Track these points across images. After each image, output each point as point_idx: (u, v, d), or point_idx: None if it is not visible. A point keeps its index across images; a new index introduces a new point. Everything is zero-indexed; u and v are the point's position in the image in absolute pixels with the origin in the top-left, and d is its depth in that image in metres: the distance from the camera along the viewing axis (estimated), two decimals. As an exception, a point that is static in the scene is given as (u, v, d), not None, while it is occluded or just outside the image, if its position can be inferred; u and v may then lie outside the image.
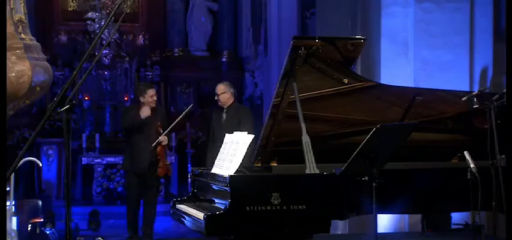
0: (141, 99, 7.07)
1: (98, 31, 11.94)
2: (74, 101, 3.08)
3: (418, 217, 6.95)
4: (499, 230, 4.70)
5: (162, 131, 6.96)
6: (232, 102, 6.94)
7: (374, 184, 4.04)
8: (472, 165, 4.32)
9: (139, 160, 7.06)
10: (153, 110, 7.02)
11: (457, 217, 6.76)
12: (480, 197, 4.27)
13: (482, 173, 4.37)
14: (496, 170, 4.48)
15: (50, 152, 11.15)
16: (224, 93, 6.87)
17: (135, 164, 7.11)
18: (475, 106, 4.73)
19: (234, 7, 13.56)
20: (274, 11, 11.37)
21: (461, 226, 6.61)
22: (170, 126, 7.08)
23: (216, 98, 6.91)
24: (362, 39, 4.71)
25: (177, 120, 7.16)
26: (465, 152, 4.42)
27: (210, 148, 6.87)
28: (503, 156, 4.46)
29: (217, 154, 4.60)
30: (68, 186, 3.29)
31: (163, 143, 6.95)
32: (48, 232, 6.92)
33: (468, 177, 4.32)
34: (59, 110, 3.04)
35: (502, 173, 4.44)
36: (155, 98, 7.09)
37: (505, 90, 4.96)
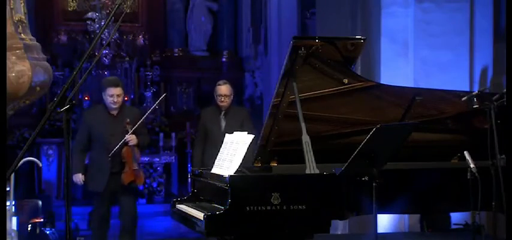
0: (103, 96, 6.15)
1: (98, 31, 11.94)
2: (74, 101, 3.08)
3: (417, 217, 6.95)
4: (499, 230, 4.69)
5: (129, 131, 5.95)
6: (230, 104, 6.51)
7: (374, 184, 4.04)
8: (472, 165, 4.32)
9: (100, 176, 6.02)
10: (119, 111, 6.07)
11: (457, 217, 6.77)
12: (480, 197, 4.27)
13: (482, 173, 4.36)
14: (496, 170, 4.47)
15: (50, 152, 11.15)
16: (230, 96, 6.41)
17: (96, 182, 6.04)
18: (475, 106, 4.73)
19: (234, 7, 13.56)
20: (274, 11, 11.37)
21: (461, 226, 6.63)
22: (138, 122, 5.96)
23: (221, 99, 6.35)
24: (362, 39, 4.71)
25: (146, 115, 6.25)
26: (465, 152, 4.42)
27: (199, 149, 6.41)
28: (503, 156, 4.46)
29: (216, 157, 4.58)
30: (68, 186, 3.29)
31: (130, 143, 5.90)
32: (48, 232, 6.92)
33: (468, 177, 4.31)
34: (59, 110, 3.04)
35: (502, 173, 4.44)
36: (115, 99, 6.00)
37: (505, 90, 4.96)
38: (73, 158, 6.04)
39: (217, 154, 4.61)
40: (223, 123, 6.29)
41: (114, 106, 6.02)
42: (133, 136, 5.90)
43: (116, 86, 6.02)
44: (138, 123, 5.96)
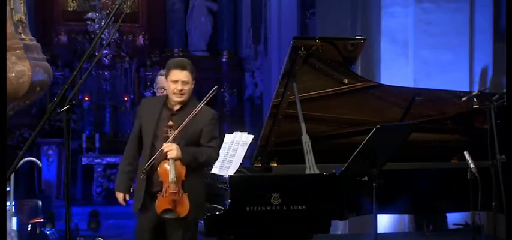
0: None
1: (97, 31, 11.94)
2: (73, 101, 3.08)
3: (417, 217, 6.95)
4: (499, 230, 4.69)
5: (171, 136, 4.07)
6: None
7: (374, 184, 4.04)
8: (471, 165, 4.32)
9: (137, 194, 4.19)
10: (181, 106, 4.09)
11: (457, 217, 6.76)
12: (480, 197, 4.27)
13: (482, 173, 4.36)
14: (496, 170, 4.47)
15: (50, 152, 11.16)
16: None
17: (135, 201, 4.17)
18: (474, 106, 4.73)
19: (234, 7, 13.56)
20: (274, 11, 11.37)
21: (461, 226, 6.63)
22: (183, 123, 3.96)
23: (181, 87, 4.15)
24: (362, 39, 4.71)
25: (196, 110, 3.97)
26: (465, 152, 4.42)
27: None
28: (503, 156, 4.45)
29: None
30: (67, 187, 3.29)
31: (169, 156, 3.94)
32: (48, 232, 6.93)
33: (468, 178, 4.31)
34: (59, 110, 3.04)
35: (502, 173, 4.44)
36: (181, 88, 4.01)
37: (504, 90, 4.95)
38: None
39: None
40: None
41: (179, 99, 4.06)
42: (174, 146, 3.93)
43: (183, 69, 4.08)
44: (181, 127, 3.98)
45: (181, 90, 3.93)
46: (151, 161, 3.92)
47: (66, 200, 3.24)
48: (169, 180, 3.90)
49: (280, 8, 11.19)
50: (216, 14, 13.45)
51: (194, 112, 3.91)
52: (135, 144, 4.07)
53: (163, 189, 3.92)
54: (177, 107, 3.99)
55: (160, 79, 4.86)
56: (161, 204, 3.91)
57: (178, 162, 3.89)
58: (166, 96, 4.04)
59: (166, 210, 3.92)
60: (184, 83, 3.94)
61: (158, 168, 3.92)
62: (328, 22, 8.52)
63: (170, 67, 4.00)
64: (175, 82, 3.94)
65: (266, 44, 11.93)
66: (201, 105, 3.95)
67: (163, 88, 4.67)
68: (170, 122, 3.97)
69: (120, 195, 4.11)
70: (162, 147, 3.89)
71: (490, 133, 4.52)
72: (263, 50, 12.21)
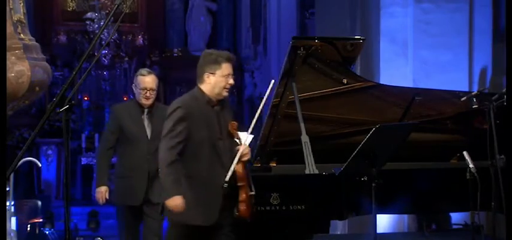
0: (205, 80, 3.86)
1: (97, 31, 11.94)
2: (73, 101, 3.08)
3: (412, 217, 6.95)
4: (498, 230, 4.69)
5: (238, 137, 3.90)
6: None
7: (373, 184, 4.04)
8: (471, 166, 4.32)
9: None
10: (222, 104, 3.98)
11: (457, 217, 6.76)
12: (479, 197, 4.27)
13: (482, 173, 4.36)
14: (495, 170, 4.47)
15: (49, 152, 11.15)
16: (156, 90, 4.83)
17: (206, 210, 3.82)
18: (474, 106, 4.73)
19: (233, 7, 13.57)
20: (274, 11, 11.37)
21: (460, 226, 6.63)
22: (253, 121, 3.89)
23: (147, 94, 4.72)
24: (361, 39, 4.71)
25: (260, 108, 3.95)
26: (464, 152, 4.42)
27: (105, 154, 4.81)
28: (503, 156, 4.46)
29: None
30: (67, 187, 3.30)
31: (245, 158, 3.81)
32: (47, 232, 6.91)
33: (467, 178, 4.31)
34: (58, 110, 3.03)
35: (501, 173, 4.45)
36: (232, 82, 3.87)
37: (504, 90, 4.96)
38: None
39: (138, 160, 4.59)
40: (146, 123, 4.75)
41: (226, 93, 3.91)
42: (247, 146, 3.83)
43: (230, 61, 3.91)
44: (253, 125, 3.88)
45: (231, 85, 3.84)
46: (232, 169, 3.68)
47: (65, 200, 3.24)
48: (249, 184, 3.74)
49: (280, 8, 11.20)
50: (216, 14, 13.46)
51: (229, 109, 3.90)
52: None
53: (244, 195, 3.70)
54: (216, 104, 3.85)
55: (141, 79, 4.74)
56: (248, 209, 3.72)
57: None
58: (201, 93, 3.80)
59: (247, 216, 3.76)
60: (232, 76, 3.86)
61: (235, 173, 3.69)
62: (327, 22, 8.52)
63: (222, 61, 3.78)
64: (228, 76, 3.81)
65: (265, 44, 11.93)
66: (264, 101, 3.85)
67: (148, 89, 4.69)
68: (233, 123, 3.85)
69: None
70: (241, 151, 3.72)
71: (490, 133, 4.52)
72: (262, 50, 12.21)
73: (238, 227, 3.89)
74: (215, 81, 3.78)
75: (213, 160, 3.74)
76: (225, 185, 3.69)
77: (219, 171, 3.73)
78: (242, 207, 3.71)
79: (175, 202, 3.67)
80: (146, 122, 4.71)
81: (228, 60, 3.82)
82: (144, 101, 4.70)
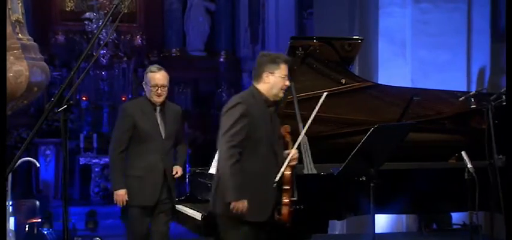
0: (264, 79, 3.86)
1: (95, 31, 11.93)
2: (71, 101, 3.08)
3: (416, 217, 6.95)
4: (496, 230, 4.70)
5: (290, 140, 3.93)
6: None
7: (372, 184, 4.04)
8: (469, 165, 4.32)
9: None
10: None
11: (455, 217, 6.77)
12: (477, 197, 4.27)
13: (480, 173, 4.36)
14: (493, 170, 4.48)
15: (48, 152, 11.14)
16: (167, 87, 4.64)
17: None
18: (472, 106, 4.74)
19: (232, 7, 13.57)
20: (272, 11, 11.38)
21: (459, 226, 6.64)
22: (307, 123, 4.00)
23: (158, 91, 4.53)
24: (359, 39, 4.72)
25: (316, 109, 4.01)
26: (462, 152, 4.42)
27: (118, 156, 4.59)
28: (501, 156, 4.46)
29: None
30: (65, 186, 3.29)
31: (293, 162, 3.86)
32: (45, 232, 6.91)
33: (466, 178, 4.31)
34: (56, 110, 3.03)
35: (500, 173, 4.45)
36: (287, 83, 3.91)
37: (503, 90, 4.96)
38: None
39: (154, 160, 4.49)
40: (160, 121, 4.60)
41: (282, 94, 3.97)
42: (296, 151, 3.89)
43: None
44: (306, 127, 3.95)
45: (287, 86, 3.86)
46: (283, 170, 3.71)
47: (63, 199, 3.24)
48: (293, 189, 3.78)
49: (278, 8, 11.20)
50: (214, 14, 13.46)
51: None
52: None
53: (287, 199, 3.74)
54: (272, 105, 3.86)
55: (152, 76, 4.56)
56: (289, 213, 3.75)
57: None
58: (258, 92, 3.80)
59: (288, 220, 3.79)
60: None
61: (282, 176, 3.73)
62: (325, 22, 8.52)
63: (280, 61, 3.82)
64: (285, 77, 3.84)
65: (264, 44, 11.93)
66: (320, 105, 3.89)
67: (159, 86, 4.50)
68: (287, 126, 3.88)
69: None
70: (291, 155, 3.77)
71: (488, 133, 4.52)
72: (261, 50, 12.20)
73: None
74: (274, 81, 3.81)
75: (269, 159, 3.77)
76: (274, 185, 3.73)
77: (274, 170, 3.76)
78: (284, 210, 3.75)
79: (244, 204, 3.68)
80: (159, 120, 4.55)
81: (286, 61, 3.86)
82: (156, 99, 4.52)
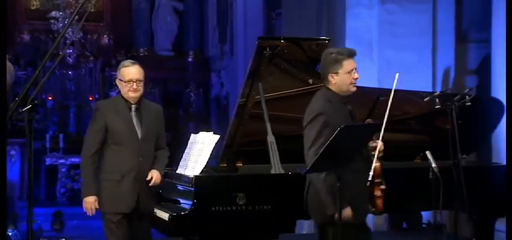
0: (330, 81, 3.86)
1: (61, 30, 11.80)
2: (36, 101, 3.04)
3: (384, 216, 7.01)
4: (460, 228, 4.78)
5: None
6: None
7: (338, 184, 4.06)
8: (433, 165, 4.37)
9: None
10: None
11: (425, 216, 6.85)
12: (441, 196, 4.33)
13: (444, 173, 4.42)
14: (457, 170, 4.54)
15: (12, 152, 10.97)
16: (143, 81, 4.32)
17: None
18: (437, 106, 4.80)
19: (200, 7, 13.53)
20: (240, 11, 11.38)
21: (423, 225, 6.72)
22: (385, 118, 4.00)
23: (134, 85, 4.21)
24: (327, 39, 4.75)
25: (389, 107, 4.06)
26: (427, 152, 4.47)
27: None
28: (464, 155, 4.53)
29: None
30: (30, 187, 3.25)
31: (379, 155, 3.88)
32: (10, 233, 6.81)
33: (430, 177, 4.37)
34: (21, 110, 3.00)
35: (464, 173, 4.52)
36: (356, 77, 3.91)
37: (466, 90, 5.06)
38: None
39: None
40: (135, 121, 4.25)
41: (354, 89, 3.95)
42: (382, 142, 3.90)
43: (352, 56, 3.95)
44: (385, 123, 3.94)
45: (357, 79, 3.82)
46: (373, 166, 3.70)
47: (28, 200, 3.20)
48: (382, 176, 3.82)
49: (246, 8, 11.21)
50: (182, 13, 13.41)
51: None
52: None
53: (379, 192, 3.80)
54: (347, 101, 3.88)
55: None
56: (383, 202, 3.80)
57: None
58: (331, 93, 3.80)
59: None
60: None
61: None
62: (293, 23, 8.56)
63: (342, 59, 3.78)
64: (352, 71, 3.80)
65: (232, 44, 11.94)
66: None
67: (134, 80, 4.19)
68: (370, 120, 3.95)
69: None
70: (379, 147, 3.77)
71: (452, 133, 4.59)
72: (229, 49, 12.21)
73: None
74: (340, 80, 3.77)
75: (357, 157, 3.74)
76: (368, 182, 3.69)
77: (362, 167, 3.74)
78: (379, 202, 3.79)
79: (348, 211, 3.66)
80: (135, 120, 4.20)
81: (349, 55, 3.81)
82: (132, 94, 4.18)
